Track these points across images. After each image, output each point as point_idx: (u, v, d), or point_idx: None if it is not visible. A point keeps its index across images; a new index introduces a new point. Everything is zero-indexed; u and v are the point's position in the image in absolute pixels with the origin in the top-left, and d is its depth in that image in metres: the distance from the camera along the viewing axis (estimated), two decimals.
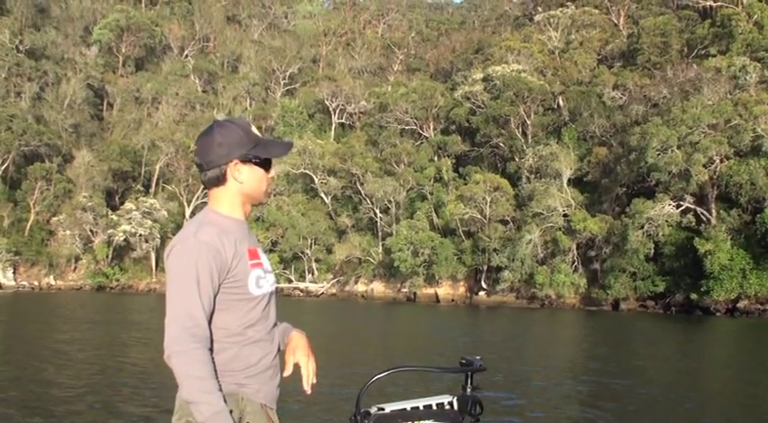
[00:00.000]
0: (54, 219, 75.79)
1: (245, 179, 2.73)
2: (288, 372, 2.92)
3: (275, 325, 2.88)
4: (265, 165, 2.78)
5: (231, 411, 2.53)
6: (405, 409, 4.42)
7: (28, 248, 75.03)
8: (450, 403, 4.46)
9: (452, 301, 65.11)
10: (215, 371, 2.53)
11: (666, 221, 53.60)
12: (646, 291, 56.35)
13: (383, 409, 4.38)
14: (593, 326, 40.37)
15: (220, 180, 2.72)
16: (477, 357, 4.50)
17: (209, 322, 2.60)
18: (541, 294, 59.80)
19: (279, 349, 2.91)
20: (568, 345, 28.01)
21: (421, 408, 4.43)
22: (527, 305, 59.94)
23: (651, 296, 56.49)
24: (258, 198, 2.83)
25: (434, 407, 4.45)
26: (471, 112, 71.14)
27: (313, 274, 71.58)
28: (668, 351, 25.60)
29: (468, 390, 4.46)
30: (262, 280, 2.75)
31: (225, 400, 2.50)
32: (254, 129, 2.77)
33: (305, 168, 73.89)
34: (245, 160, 2.72)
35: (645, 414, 12.57)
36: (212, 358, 2.55)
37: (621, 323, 41.98)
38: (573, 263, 60.01)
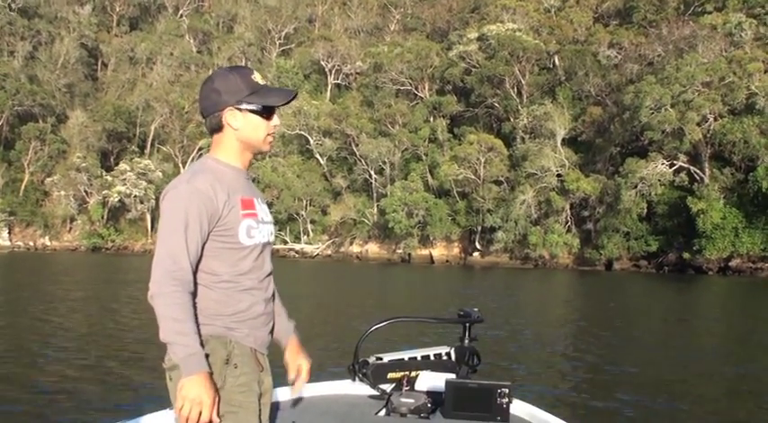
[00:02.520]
0: (48, 179, 75.83)
1: (240, 126, 2.69)
2: (293, 375, 3.00)
3: (270, 274, 2.82)
4: (264, 112, 2.71)
5: (209, 356, 2.55)
6: (402, 359, 4.55)
7: (23, 209, 75.14)
8: (448, 354, 4.62)
9: (447, 261, 65.23)
10: (194, 314, 2.54)
11: (659, 181, 53.51)
12: (639, 250, 56.45)
13: (381, 359, 4.52)
14: (585, 285, 40.41)
15: (218, 127, 2.70)
16: (475, 309, 4.62)
17: (197, 267, 2.62)
18: (535, 255, 59.88)
19: (273, 297, 2.88)
20: (561, 304, 28.03)
21: (419, 358, 4.56)
22: (521, 266, 60.06)
23: (644, 256, 56.62)
24: (256, 146, 2.75)
25: (432, 357, 4.59)
26: (466, 71, 70.63)
27: (308, 236, 71.66)
28: (660, 308, 25.63)
29: (466, 341, 4.56)
30: (254, 230, 2.70)
31: (202, 344, 2.51)
32: (255, 76, 2.71)
33: (300, 129, 73.59)
34: (240, 107, 2.67)
35: (634, 367, 12.56)
36: (194, 302, 2.57)
37: (614, 283, 41.99)
38: (566, 223, 60.04)
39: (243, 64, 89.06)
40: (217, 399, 2.50)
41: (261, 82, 2.71)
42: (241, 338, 2.68)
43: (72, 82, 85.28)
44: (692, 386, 10.97)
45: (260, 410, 2.65)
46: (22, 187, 76.78)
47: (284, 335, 3.02)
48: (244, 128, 2.69)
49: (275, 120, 2.75)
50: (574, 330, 18.34)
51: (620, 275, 50.63)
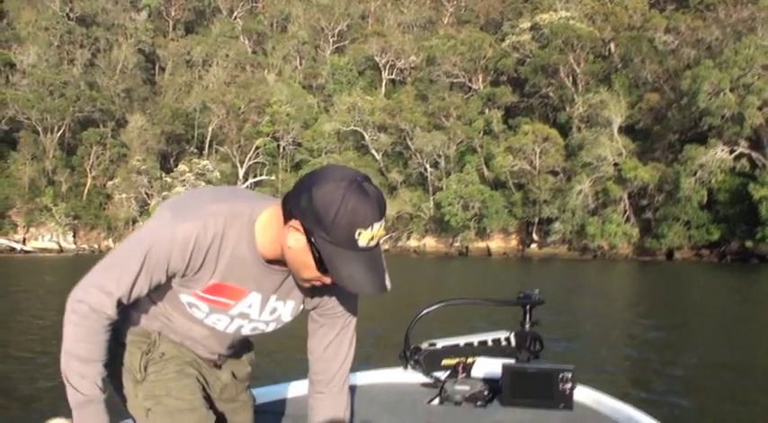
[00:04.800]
0: (110, 183, 77.35)
1: (293, 249, 2.00)
2: None
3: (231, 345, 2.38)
4: (323, 267, 1.98)
5: (126, 347, 2.25)
6: (457, 344, 4.28)
7: (86, 212, 76.76)
8: (508, 339, 4.30)
9: (504, 254, 64.99)
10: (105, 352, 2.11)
11: (720, 167, 52.56)
12: (700, 239, 55.49)
13: (434, 345, 4.26)
14: (647, 276, 39.91)
15: (284, 216, 2.01)
16: (536, 291, 4.32)
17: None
18: (593, 245, 59.29)
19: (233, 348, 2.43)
20: (623, 295, 27.77)
21: (475, 344, 4.30)
22: (579, 257, 59.50)
23: (706, 245, 55.65)
24: (292, 273, 2.11)
25: (490, 343, 4.29)
26: (520, 62, 70.26)
27: None
28: (725, 300, 25.21)
29: (527, 325, 4.27)
30: (199, 311, 2.22)
31: (103, 390, 2.11)
32: (364, 234, 1.93)
33: (355, 125, 73.95)
34: (311, 238, 1.96)
35: (700, 355, 12.43)
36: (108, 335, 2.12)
37: (676, 273, 41.37)
38: (625, 213, 59.31)
39: (298, 63, 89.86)
40: None
41: (362, 244, 1.93)
42: (171, 337, 2.30)
43: (130, 87, 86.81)
44: (758, 369, 10.87)
45: (208, 400, 2.30)
46: (85, 191, 78.40)
47: None
48: (294, 255, 2.01)
49: (329, 281, 2.04)
50: (637, 319, 18.21)
51: (681, 265, 49.86)
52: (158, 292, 2.17)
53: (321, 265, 1.96)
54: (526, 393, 3.77)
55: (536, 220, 63.46)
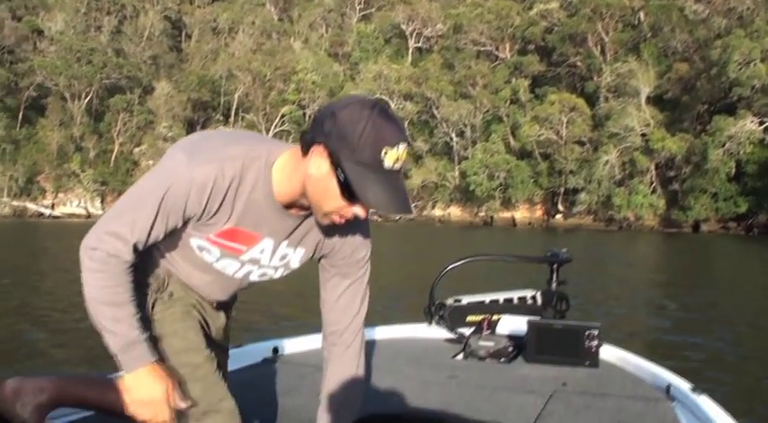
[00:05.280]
0: (137, 149, 77.84)
1: (315, 176, 1.93)
2: None
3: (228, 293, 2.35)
4: (348, 194, 1.90)
5: (158, 292, 2.20)
6: (483, 301, 4.28)
7: (114, 179, 77.32)
8: (534, 298, 4.31)
9: (529, 224, 64.85)
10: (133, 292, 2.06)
11: (749, 139, 51.99)
12: (727, 212, 55.10)
13: (460, 301, 4.27)
14: (673, 247, 39.69)
15: (303, 151, 1.95)
16: (564, 250, 4.33)
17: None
18: (619, 216, 59.05)
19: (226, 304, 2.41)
20: (649, 264, 27.67)
21: (501, 301, 4.30)
22: (605, 228, 59.27)
23: (733, 217, 55.27)
24: (313, 207, 2.00)
25: (516, 301, 4.29)
26: (548, 30, 69.66)
27: None
28: (752, 271, 25.04)
29: (554, 284, 4.28)
30: (209, 255, 2.17)
31: (143, 328, 2.07)
32: (390, 153, 1.87)
33: (381, 94, 73.61)
34: (332, 161, 1.89)
35: (727, 319, 12.43)
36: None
37: (703, 245, 41.11)
38: (651, 184, 58.94)
39: (324, 30, 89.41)
40: (172, 389, 2.07)
41: (387, 164, 1.87)
42: (179, 276, 2.26)
43: (157, 54, 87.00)
44: None
45: (204, 340, 2.23)
46: (113, 158, 78.96)
47: None
48: (316, 182, 1.93)
49: (358, 210, 1.95)
50: (663, 287, 18.19)
51: (707, 237, 49.50)
52: (167, 237, 2.09)
53: (345, 189, 1.89)
54: (551, 350, 3.75)
55: (562, 190, 63.24)
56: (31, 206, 76.20)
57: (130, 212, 1.99)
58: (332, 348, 2.33)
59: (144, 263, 2.14)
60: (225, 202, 2.01)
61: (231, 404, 2.18)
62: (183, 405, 2.09)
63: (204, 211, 2.01)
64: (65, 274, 17.46)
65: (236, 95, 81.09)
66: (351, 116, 1.86)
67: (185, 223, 2.06)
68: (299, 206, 2.07)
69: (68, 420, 2.72)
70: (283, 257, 2.21)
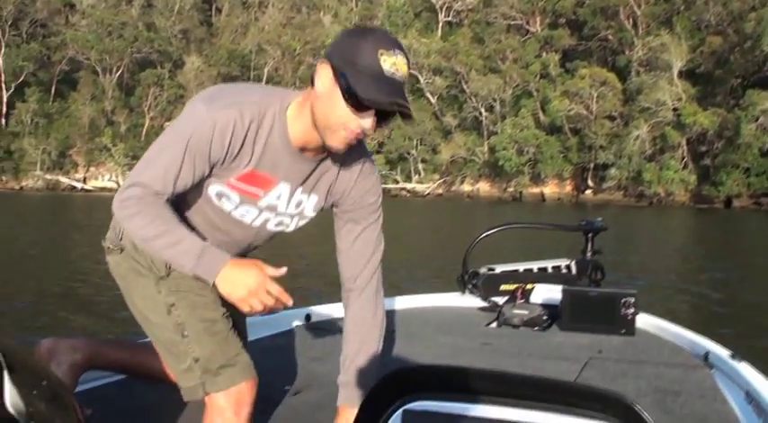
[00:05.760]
0: (167, 123, 78.05)
1: (320, 89, 2.02)
2: None
3: (244, 245, 2.38)
4: (353, 101, 1.97)
5: None
6: (516, 270, 4.25)
7: (144, 153, 77.82)
8: (568, 267, 4.26)
9: (558, 199, 64.49)
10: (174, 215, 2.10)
11: None
12: (760, 187, 54.43)
13: (493, 270, 4.25)
14: (705, 223, 39.41)
15: (311, 79, 2.06)
16: (599, 219, 4.27)
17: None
18: (650, 192, 58.60)
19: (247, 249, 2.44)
20: (681, 239, 27.54)
21: (535, 270, 4.27)
22: (635, 203, 58.85)
23: (766, 192, 54.49)
24: (322, 129, 2.06)
25: (550, 270, 4.25)
26: (579, 3, 68.93)
27: (419, 175, 71.94)
28: None
29: (588, 253, 4.23)
30: (229, 202, 2.21)
31: (203, 237, 2.16)
32: (387, 59, 1.96)
33: (410, 68, 73.30)
34: (335, 72, 1.99)
35: (764, 301, 12.39)
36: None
37: (735, 220, 40.77)
38: (683, 159, 58.35)
39: (354, 4, 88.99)
40: (262, 272, 2.08)
41: (387, 68, 1.96)
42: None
43: (187, 28, 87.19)
44: None
45: (221, 298, 2.19)
46: (144, 132, 79.52)
47: (344, 399, 2.37)
48: (323, 99, 2.02)
49: (367, 122, 2.02)
50: (697, 260, 18.14)
51: (739, 213, 49.07)
52: (188, 191, 2.16)
53: (349, 95, 1.97)
54: (586, 318, 3.73)
55: (591, 165, 62.82)
56: (64, 180, 77.14)
57: (157, 161, 2.07)
58: (349, 294, 2.41)
59: None
60: (245, 143, 2.08)
61: (246, 358, 2.24)
62: (279, 272, 2.09)
63: (227, 153, 2.08)
64: (93, 247, 17.78)
65: (265, 70, 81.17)
66: (351, 33, 2.05)
67: (211, 170, 2.12)
68: (313, 149, 2.16)
69: (99, 384, 2.83)
70: (298, 204, 2.28)
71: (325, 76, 2.01)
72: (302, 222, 2.36)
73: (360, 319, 2.40)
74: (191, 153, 2.05)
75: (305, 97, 2.11)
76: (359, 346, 2.37)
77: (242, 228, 2.29)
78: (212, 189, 2.18)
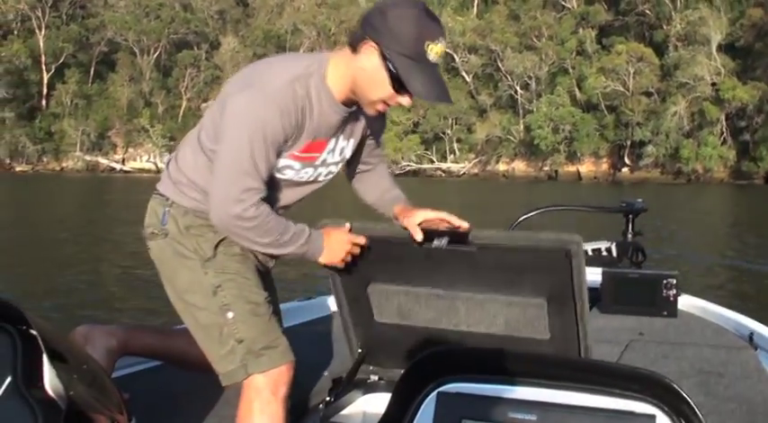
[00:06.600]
0: (203, 105, 78.58)
1: (366, 69, 2.17)
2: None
3: (286, 207, 2.49)
4: (397, 83, 2.15)
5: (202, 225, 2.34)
6: None
7: (181, 134, 76.71)
8: (609, 249, 4.17)
9: (595, 178, 64.14)
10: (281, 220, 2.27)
11: None
12: None
13: None
14: (745, 199, 39.01)
15: (351, 48, 2.20)
16: (639, 200, 4.15)
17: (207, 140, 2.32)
18: (687, 169, 58.09)
19: None
20: (722, 216, 27.32)
21: None
22: (672, 181, 58.34)
23: None
24: (361, 98, 2.25)
25: (590, 252, 4.10)
26: None
27: (455, 155, 71.79)
28: None
29: (629, 235, 4.13)
30: (290, 170, 2.35)
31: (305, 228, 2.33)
32: (433, 47, 2.12)
33: (445, 47, 72.99)
34: (385, 54, 2.13)
35: None
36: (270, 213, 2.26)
37: None
38: (721, 135, 57.70)
39: None
40: (343, 234, 2.38)
41: (432, 58, 2.13)
42: None
43: (223, 8, 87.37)
44: None
45: (261, 282, 2.40)
46: (181, 113, 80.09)
47: (390, 202, 2.62)
48: (368, 75, 2.18)
49: (405, 99, 2.21)
50: (739, 237, 18.00)
51: None
52: None
53: (395, 79, 2.14)
54: (627, 300, 3.71)
55: (628, 143, 62.29)
56: (103, 161, 78.06)
57: (243, 168, 2.16)
58: (360, 173, 2.67)
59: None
60: (303, 117, 2.21)
61: (286, 341, 2.32)
62: (355, 238, 2.39)
63: (294, 131, 2.21)
64: (131, 226, 18.09)
65: (301, 50, 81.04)
66: (399, 14, 2.12)
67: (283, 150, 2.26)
68: (348, 103, 2.30)
69: (134, 370, 2.91)
70: (341, 151, 2.43)
71: (372, 55, 2.14)
72: (342, 163, 2.51)
73: (382, 173, 2.69)
74: (269, 145, 2.17)
75: (341, 59, 2.23)
76: (390, 183, 2.67)
77: (299, 187, 2.43)
78: (279, 164, 2.29)
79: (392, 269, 2.53)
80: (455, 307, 2.46)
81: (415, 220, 2.41)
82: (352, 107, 2.31)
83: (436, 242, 2.33)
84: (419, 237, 2.37)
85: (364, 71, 2.17)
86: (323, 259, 2.34)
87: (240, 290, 2.31)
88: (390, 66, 2.12)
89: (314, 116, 2.24)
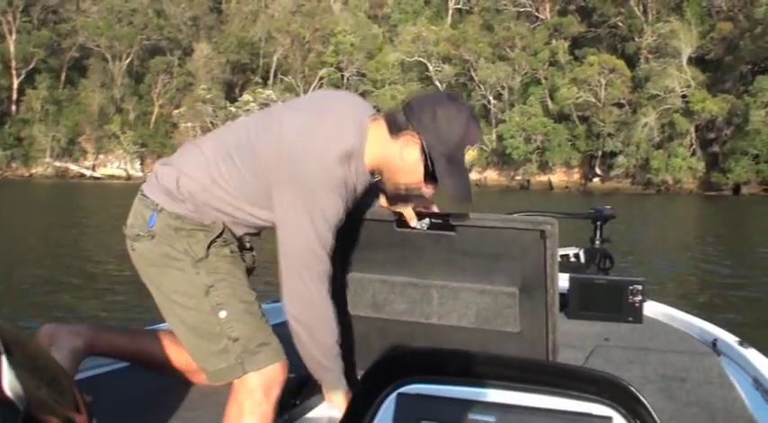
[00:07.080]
0: (176, 111, 78.39)
1: (406, 160, 2.25)
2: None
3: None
4: (429, 177, 2.26)
5: (201, 229, 2.33)
6: None
7: (153, 141, 78.03)
8: (577, 255, 4.16)
9: (566, 188, 64.47)
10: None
11: None
12: None
13: None
14: (714, 210, 39.42)
15: (394, 132, 2.26)
16: (608, 206, 4.18)
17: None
18: (657, 180, 58.60)
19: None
20: (690, 226, 27.60)
21: None
22: (642, 191, 58.84)
23: None
24: (389, 179, 2.33)
25: (558, 258, 4.16)
26: None
27: None
28: None
29: (597, 242, 4.15)
30: None
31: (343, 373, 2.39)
32: (470, 152, 2.25)
33: (419, 56, 73.34)
34: (426, 152, 2.21)
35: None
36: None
37: (744, 207, 40.78)
38: (691, 146, 58.33)
39: None
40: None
41: (467, 159, 2.25)
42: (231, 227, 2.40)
43: (197, 15, 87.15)
44: None
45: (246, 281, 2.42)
46: (153, 119, 79.66)
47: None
48: (405, 164, 2.26)
49: (429, 191, 2.31)
50: (705, 247, 18.18)
51: (748, 200, 49.03)
52: (244, 190, 2.30)
53: (432, 178, 2.24)
54: (594, 306, 3.72)
55: (599, 153, 62.77)
56: (73, 167, 77.43)
57: (321, 225, 2.22)
58: None
59: (207, 213, 2.32)
60: (348, 193, 2.27)
61: (277, 340, 2.34)
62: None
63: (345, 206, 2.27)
64: (105, 234, 17.95)
65: (274, 58, 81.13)
66: (450, 116, 2.21)
67: None
68: (372, 172, 2.35)
69: (100, 371, 2.82)
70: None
71: (412, 148, 2.22)
72: None
73: None
74: (343, 196, 2.24)
75: (379, 139, 2.27)
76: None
77: None
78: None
79: (369, 257, 2.53)
80: (429, 296, 2.47)
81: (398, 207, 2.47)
82: (375, 177, 2.38)
83: (417, 224, 2.39)
84: (410, 218, 2.43)
85: (402, 160, 2.25)
86: (336, 399, 2.39)
87: (233, 289, 2.31)
88: (429, 163, 2.21)
89: (353, 190, 2.30)
